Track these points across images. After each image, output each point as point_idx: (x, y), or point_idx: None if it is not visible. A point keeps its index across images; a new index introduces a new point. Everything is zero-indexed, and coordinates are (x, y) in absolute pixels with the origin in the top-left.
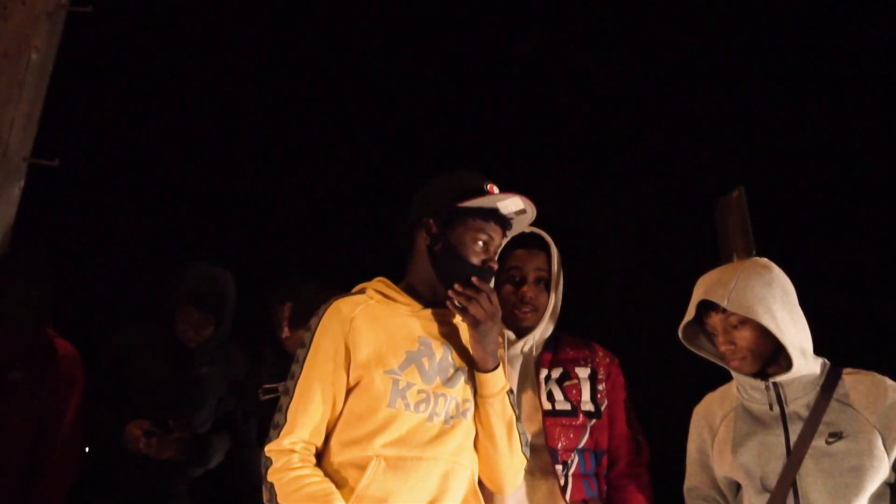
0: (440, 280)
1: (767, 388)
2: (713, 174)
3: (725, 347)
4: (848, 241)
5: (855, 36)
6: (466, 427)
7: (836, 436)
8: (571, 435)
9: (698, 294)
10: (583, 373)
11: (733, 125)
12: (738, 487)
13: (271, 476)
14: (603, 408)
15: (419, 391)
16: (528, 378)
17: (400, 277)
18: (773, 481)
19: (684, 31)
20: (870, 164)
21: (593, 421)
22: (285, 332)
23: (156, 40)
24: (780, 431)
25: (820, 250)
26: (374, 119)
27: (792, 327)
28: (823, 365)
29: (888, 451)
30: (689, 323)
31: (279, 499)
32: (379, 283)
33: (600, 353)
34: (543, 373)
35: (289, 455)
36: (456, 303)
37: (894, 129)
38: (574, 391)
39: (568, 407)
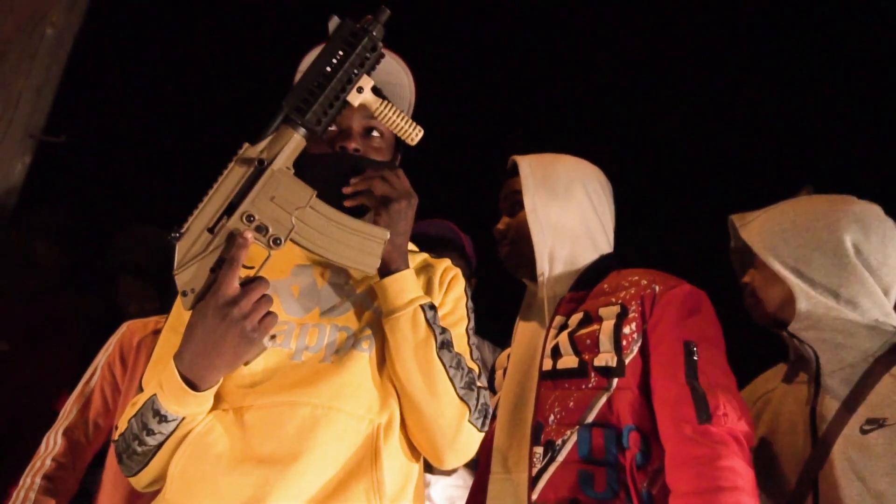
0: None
1: (790, 336)
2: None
3: (743, 281)
4: None
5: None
6: (363, 365)
7: (876, 423)
8: (572, 404)
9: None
10: (608, 312)
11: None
12: None
13: (115, 437)
14: (629, 360)
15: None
16: (538, 332)
17: None
18: (789, 482)
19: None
20: None
21: (615, 381)
22: None
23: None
24: (806, 410)
25: None
26: None
27: (811, 271)
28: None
29: None
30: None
31: (122, 430)
32: None
33: (643, 282)
34: (558, 322)
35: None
36: (355, 189)
37: None
38: (589, 341)
39: (574, 364)
